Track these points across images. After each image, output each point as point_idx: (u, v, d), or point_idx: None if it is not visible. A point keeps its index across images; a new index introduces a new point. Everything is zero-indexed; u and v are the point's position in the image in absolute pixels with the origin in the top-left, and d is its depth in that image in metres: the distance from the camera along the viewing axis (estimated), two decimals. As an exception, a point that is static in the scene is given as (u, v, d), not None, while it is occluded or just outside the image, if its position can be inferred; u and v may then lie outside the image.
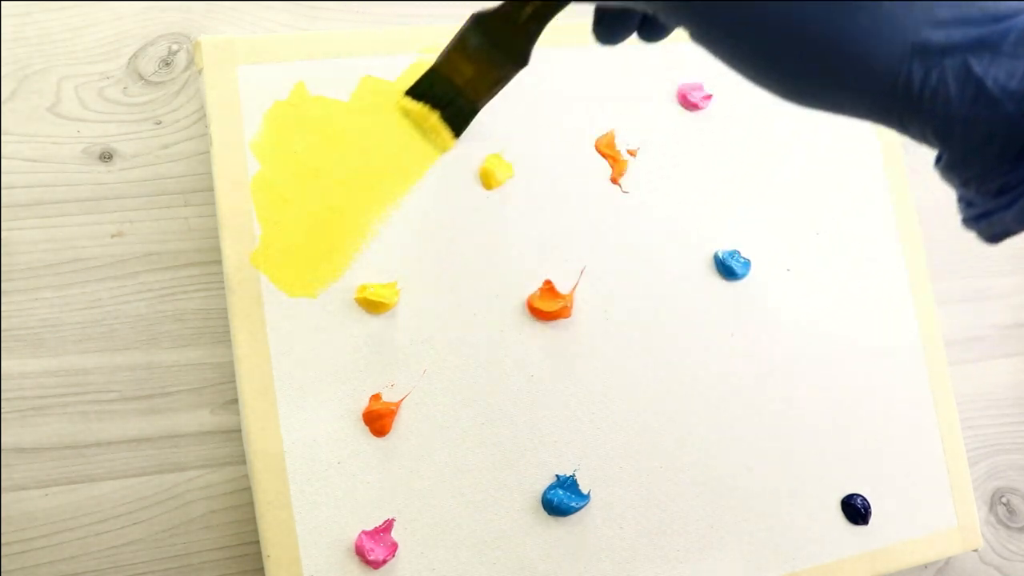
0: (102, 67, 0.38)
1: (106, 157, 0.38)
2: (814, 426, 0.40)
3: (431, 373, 0.36)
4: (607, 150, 0.40)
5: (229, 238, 0.34)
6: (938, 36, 0.19)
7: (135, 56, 0.39)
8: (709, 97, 0.41)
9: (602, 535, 0.37)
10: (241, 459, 0.37)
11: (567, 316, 0.38)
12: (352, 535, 0.34)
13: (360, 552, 0.34)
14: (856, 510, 0.40)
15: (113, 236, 0.37)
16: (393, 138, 0.37)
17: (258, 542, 0.36)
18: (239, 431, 0.38)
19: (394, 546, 0.34)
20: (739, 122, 0.42)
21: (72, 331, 0.36)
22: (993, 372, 0.49)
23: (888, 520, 0.41)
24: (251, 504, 0.37)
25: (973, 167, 0.20)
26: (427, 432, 0.36)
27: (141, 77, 0.39)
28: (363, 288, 0.35)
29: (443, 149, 0.37)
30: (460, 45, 0.33)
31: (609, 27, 0.27)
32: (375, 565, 0.34)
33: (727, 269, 0.40)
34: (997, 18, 0.18)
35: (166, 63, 0.39)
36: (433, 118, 0.35)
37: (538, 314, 0.37)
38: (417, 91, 0.35)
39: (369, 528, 0.34)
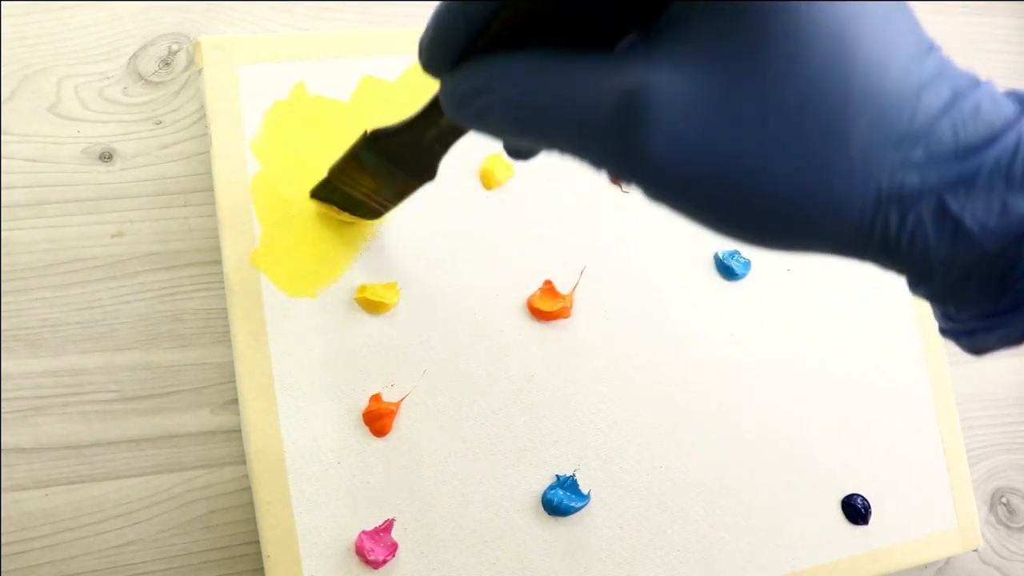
0: (102, 67, 0.38)
1: (106, 157, 0.38)
2: (814, 426, 0.40)
3: (431, 373, 0.36)
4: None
5: (229, 238, 0.34)
6: (913, 180, 0.17)
7: (135, 56, 0.39)
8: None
9: (602, 535, 0.37)
10: (241, 459, 0.37)
11: (567, 316, 0.38)
12: (352, 535, 0.34)
13: (360, 552, 0.34)
14: (856, 510, 0.40)
15: (113, 236, 0.37)
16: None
17: (258, 542, 0.36)
18: (239, 431, 0.38)
19: (394, 546, 0.34)
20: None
21: (72, 331, 0.36)
22: (993, 372, 0.49)
23: (888, 520, 0.41)
24: (251, 504, 0.37)
25: (952, 300, 0.19)
26: (427, 432, 0.36)
27: (141, 77, 0.39)
28: (363, 288, 0.35)
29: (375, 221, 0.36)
30: (355, 162, 0.31)
31: (515, 154, 0.26)
32: (375, 565, 0.34)
33: (727, 269, 0.40)
34: (970, 150, 0.17)
35: (166, 63, 0.39)
36: (346, 216, 0.35)
37: (538, 314, 0.37)
38: (320, 195, 0.34)
39: (369, 528, 0.34)
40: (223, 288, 0.37)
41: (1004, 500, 0.47)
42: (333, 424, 0.34)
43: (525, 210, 0.38)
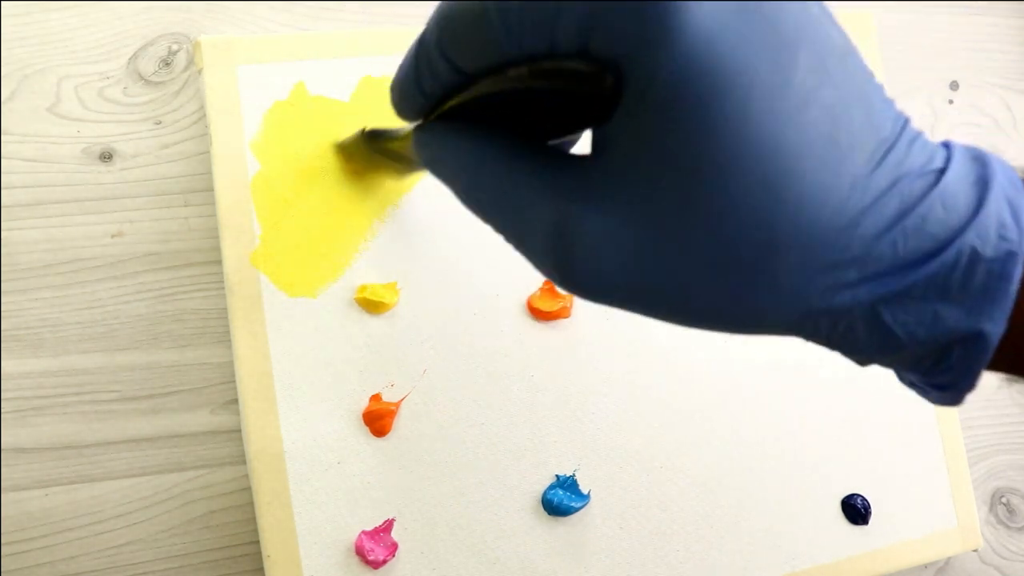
0: (102, 67, 0.38)
1: (106, 157, 0.38)
2: (814, 426, 0.40)
3: (431, 373, 0.36)
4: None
5: (229, 238, 0.34)
6: (844, 298, 0.17)
7: (135, 56, 0.39)
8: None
9: (602, 535, 0.37)
10: (241, 459, 0.37)
11: (567, 316, 0.38)
12: (352, 535, 0.34)
13: (360, 552, 0.34)
14: (856, 510, 0.40)
15: (113, 236, 0.37)
16: (393, 138, 0.37)
17: (258, 542, 0.36)
18: (239, 431, 0.38)
19: (394, 546, 0.34)
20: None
21: (72, 331, 0.36)
22: (993, 372, 0.49)
23: (888, 520, 0.41)
24: (251, 504, 0.37)
25: (887, 366, 0.20)
26: (427, 432, 0.36)
27: (141, 77, 0.39)
28: (363, 288, 0.35)
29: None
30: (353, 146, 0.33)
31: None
32: (375, 565, 0.34)
33: (727, 269, 0.40)
34: (908, 265, 0.17)
35: (166, 63, 0.39)
36: (374, 170, 0.35)
37: (538, 314, 0.37)
38: (349, 149, 0.34)
39: (369, 528, 0.34)
40: (223, 288, 0.37)
41: (1004, 500, 0.47)
42: (333, 424, 0.34)
43: (525, 210, 0.38)
